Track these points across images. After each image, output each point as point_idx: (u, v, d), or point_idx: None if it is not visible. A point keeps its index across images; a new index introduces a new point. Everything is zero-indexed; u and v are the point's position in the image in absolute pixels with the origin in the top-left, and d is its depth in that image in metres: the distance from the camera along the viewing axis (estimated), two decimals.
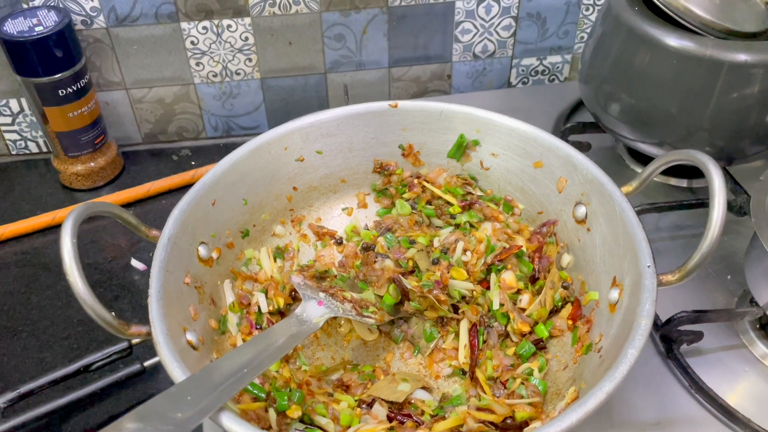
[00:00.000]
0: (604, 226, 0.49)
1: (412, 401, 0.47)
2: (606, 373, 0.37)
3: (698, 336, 0.55)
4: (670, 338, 0.55)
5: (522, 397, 0.45)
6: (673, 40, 0.62)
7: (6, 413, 0.56)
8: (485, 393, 0.47)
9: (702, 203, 0.65)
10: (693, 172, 0.73)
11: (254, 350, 0.42)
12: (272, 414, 0.43)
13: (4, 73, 0.80)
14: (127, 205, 0.82)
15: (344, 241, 0.59)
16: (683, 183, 0.73)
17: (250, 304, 0.52)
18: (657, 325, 0.57)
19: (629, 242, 0.45)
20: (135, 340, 0.61)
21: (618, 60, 0.67)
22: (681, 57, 0.62)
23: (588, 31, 0.90)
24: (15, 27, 0.72)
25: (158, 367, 0.63)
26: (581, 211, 0.51)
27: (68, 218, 0.41)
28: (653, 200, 0.67)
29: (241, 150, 0.53)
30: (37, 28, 0.72)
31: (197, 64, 0.84)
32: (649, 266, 0.42)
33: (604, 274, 0.48)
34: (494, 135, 0.56)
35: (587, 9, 0.88)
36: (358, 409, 0.46)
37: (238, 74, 0.86)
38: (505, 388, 0.47)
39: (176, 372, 0.38)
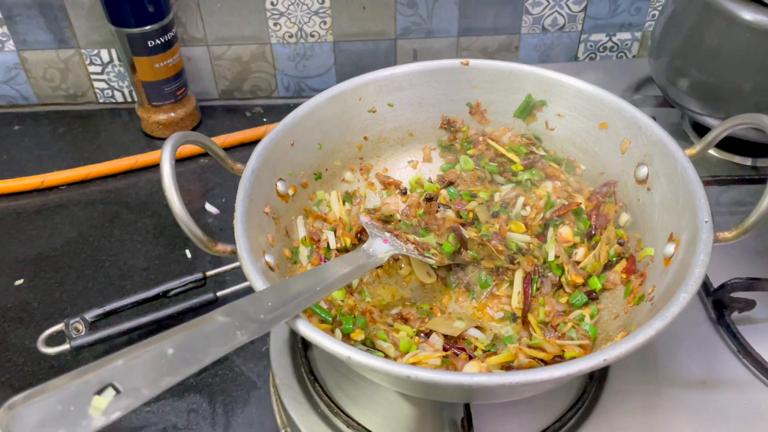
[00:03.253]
0: (664, 185, 0.50)
1: (466, 337, 0.50)
2: (657, 313, 0.40)
3: (750, 304, 0.56)
4: (722, 304, 0.57)
5: (572, 339, 0.48)
6: (748, 14, 0.62)
7: (92, 327, 0.62)
8: (536, 334, 0.49)
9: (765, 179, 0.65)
10: (758, 150, 0.73)
11: (325, 273, 0.46)
12: (338, 334, 0.47)
13: (99, 24, 0.86)
14: (204, 154, 0.87)
15: (408, 192, 0.62)
16: (747, 161, 0.73)
17: (319, 240, 0.55)
18: (709, 291, 0.58)
19: (689, 200, 0.47)
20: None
21: (690, 34, 0.68)
22: (755, 31, 0.62)
23: (660, 8, 0.90)
24: None
25: (228, 298, 0.68)
26: (643, 171, 0.53)
27: (166, 143, 0.45)
28: (715, 174, 0.67)
29: (320, 97, 0.57)
30: None
31: (275, 24, 0.88)
32: (706, 221, 0.44)
33: (661, 231, 0.49)
34: (562, 96, 0.58)
35: None
36: (416, 338, 0.49)
37: (313, 36, 0.90)
38: (556, 331, 0.50)
39: (258, 282, 0.42)
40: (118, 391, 0.30)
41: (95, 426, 0.29)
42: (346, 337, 0.48)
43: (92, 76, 0.92)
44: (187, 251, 0.74)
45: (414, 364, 0.46)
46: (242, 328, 0.37)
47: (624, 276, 0.51)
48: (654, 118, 0.76)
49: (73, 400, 0.29)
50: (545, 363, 0.46)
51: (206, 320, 0.36)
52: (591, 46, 0.93)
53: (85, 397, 0.29)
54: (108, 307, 0.63)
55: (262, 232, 0.49)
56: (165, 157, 0.44)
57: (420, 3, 0.87)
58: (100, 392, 0.29)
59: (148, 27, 0.79)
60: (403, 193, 0.62)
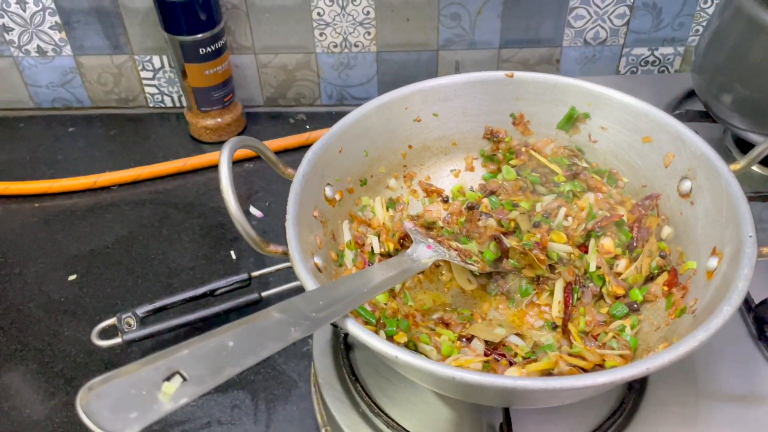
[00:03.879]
0: (708, 199, 0.51)
1: (506, 344, 0.51)
2: (700, 325, 0.40)
3: None
4: (763, 320, 0.57)
5: (613, 349, 0.48)
6: None
7: (143, 321, 0.64)
8: (576, 342, 0.50)
9: None
10: None
11: (371, 275, 0.47)
12: (382, 335, 0.48)
13: (152, 31, 0.90)
14: (249, 159, 0.89)
15: (450, 200, 0.64)
16: None
17: (364, 244, 0.57)
18: (750, 307, 0.58)
19: (733, 214, 0.47)
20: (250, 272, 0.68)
21: (735, 50, 0.68)
22: None
23: (704, 24, 0.90)
24: None
25: (271, 299, 0.70)
26: (686, 185, 0.53)
27: (225, 146, 0.47)
28: (759, 190, 0.67)
29: (367, 106, 0.59)
30: None
31: (321, 34, 0.90)
32: (750, 236, 0.44)
33: (704, 245, 0.50)
34: (605, 109, 0.59)
35: (705, 2, 0.88)
36: (458, 342, 0.50)
37: (357, 46, 0.92)
38: (596, 341, 0.50)
39: (309, 282, 0.44)
40: (184, 379, 0.32)
41: (165, 410, 0.30)
42: (389, 339, 0.49)
43: (144, 81, 0.95)
44: (232, 252, 0.77)
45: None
46: (296, 324, 0.38)
47: (666, 288, 0.52)
48: (696, 133, 0.77)
49: (145, 384, 0.31)
50: (585, 372, 0.47)
51: (263, 316, 0.38)
52: (633, 60, 0.94)
53: (156, 383, 0.31)
54: (158, 304, 0.65)
55: (311, 234, 0.51)
56: (223, 160, 0.47)
57: (463, 15, 0.89)
58: (168, 378, 0.31)
59: (200, 35, 0.82)
60: (445, 201, 0.63)
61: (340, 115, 0.98)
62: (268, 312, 0.38)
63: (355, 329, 0.41)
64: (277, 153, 0.90)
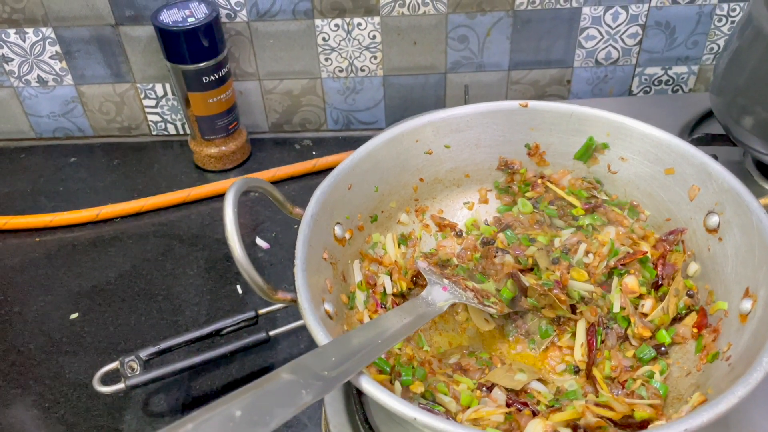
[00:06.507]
0: (738, 236, 0.48)
1: (528, 391, 0.49)
2: (738, 379, 0.38)
3: None
4: None
5: (642, 397, 0.46)
6: None
7: (146, 365, 0.62)
8: (603, 390, 0.47)
9: None
10: None
11: (386, 324, 0.45)
12: (398, 386, 0.46)
13: (155, 59, 0.88)
14: None
15: (464, 234, 0.61)
16: None
17: (375, 284, 0.55)
18: None
19: (766, 253, 0.44)
20: (266, 307, 0.66)
21: (756, 71, 0.65)
22: None
23: (719, 42, 0.87)
24: (170, 17, 0.79)
25: (279, 338, 0.68)
26: (713, 220, 0.51)
27: (230, 190, 0.45)
28: None
29: (377, 140, 0.57)
30: (189, 19, 0.78)
31: (326, 59, 0.89)
32: None
33: (736, 285, 0.47)
34: (625, 139, 0.56)
35: (720, 20, 0.86)
36: (478, 391, 0.48)
37: (363, 71, 0.90)
38: (624, 388, 0.48)
39: (320, 335, 0.41)
40: None
41: None
42: (406, 389, 0.47)
43: (146, 110, 0.93)
44: (238, 287, 0.74)
45: (476, 419, 0.45)
46: (307, 386, 0.36)
47: (695, 330, 0.49)
48: (715, 156, 0.74)
49: None
50: (614, 422, 0.44)
51: (272, 378, 0.36)
52: (646, 79, 0.92)
53: None
54: (162, 345, 0.63)
55: (320, 278, 0.49)
56: (228, 205, 0.44)
57: (471, 37, 0.87)
58: None
59: (203, 63, 0.80)
60: (459, 235, 0.61)
61: (347, 140, 0.98)
62: (277, 374, 0.36)
63: (372, 389, 0.38)
64: (284, 180, 0.88)
